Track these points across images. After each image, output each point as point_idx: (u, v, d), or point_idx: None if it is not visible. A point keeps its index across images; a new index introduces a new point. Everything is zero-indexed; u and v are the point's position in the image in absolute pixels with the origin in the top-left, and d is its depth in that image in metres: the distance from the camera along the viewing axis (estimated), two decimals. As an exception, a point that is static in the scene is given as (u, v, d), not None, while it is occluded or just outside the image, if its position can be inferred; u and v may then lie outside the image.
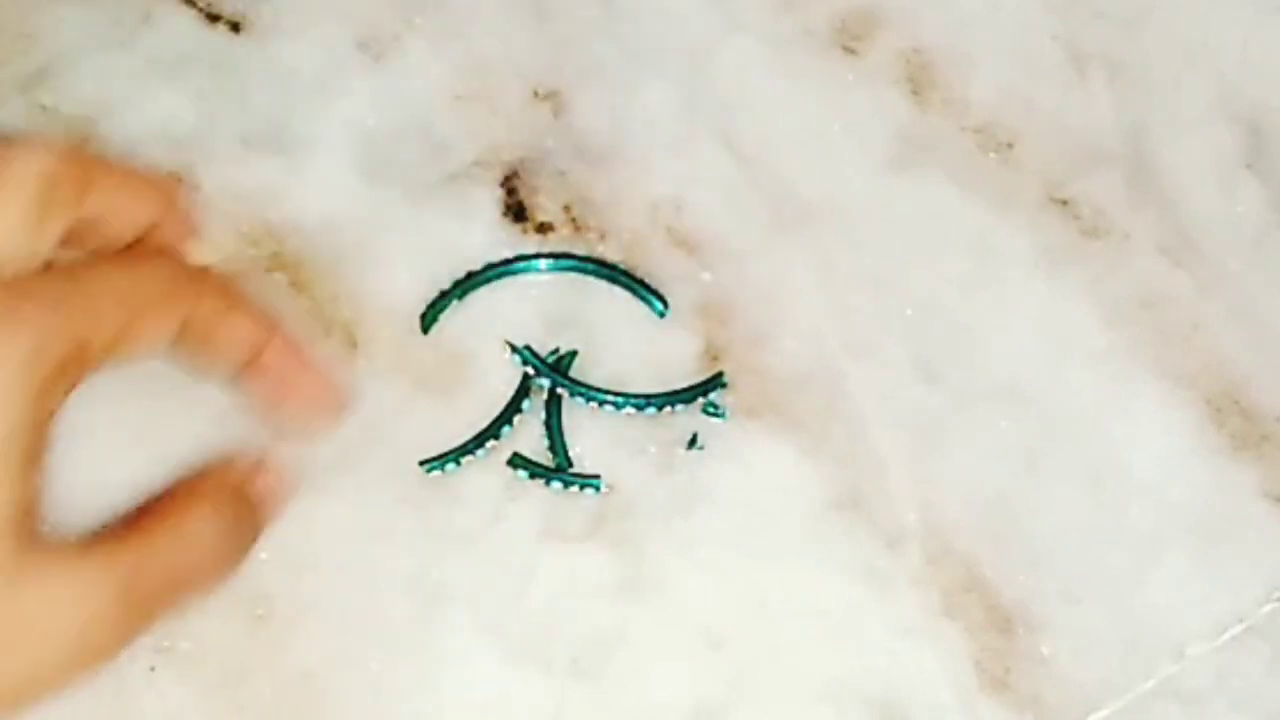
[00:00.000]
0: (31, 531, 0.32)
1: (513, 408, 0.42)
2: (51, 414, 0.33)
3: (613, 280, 0.43)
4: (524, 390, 0.42)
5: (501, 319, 0.42)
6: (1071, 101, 0.45)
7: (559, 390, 0.42)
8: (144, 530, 0.35)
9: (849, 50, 0.46)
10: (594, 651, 0.40)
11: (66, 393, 0.33)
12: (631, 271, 0.43)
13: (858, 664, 0.40)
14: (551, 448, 0.41)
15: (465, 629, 0.40)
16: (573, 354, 0.42)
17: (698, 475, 0.42)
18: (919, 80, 0.45)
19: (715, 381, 0.42)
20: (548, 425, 0.42)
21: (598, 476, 0.41)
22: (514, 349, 0.42)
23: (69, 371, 0.33)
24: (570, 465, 0.41)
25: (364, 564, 0.41)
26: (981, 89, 0.45)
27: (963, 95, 0.45)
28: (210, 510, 0.37)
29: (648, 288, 0.43)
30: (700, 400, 0.42)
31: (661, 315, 0.42)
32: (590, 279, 0.43)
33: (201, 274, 0.38)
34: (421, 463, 0.41)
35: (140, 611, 0.34)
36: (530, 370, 0.42)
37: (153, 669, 0.39)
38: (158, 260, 0.37)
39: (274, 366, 0.39)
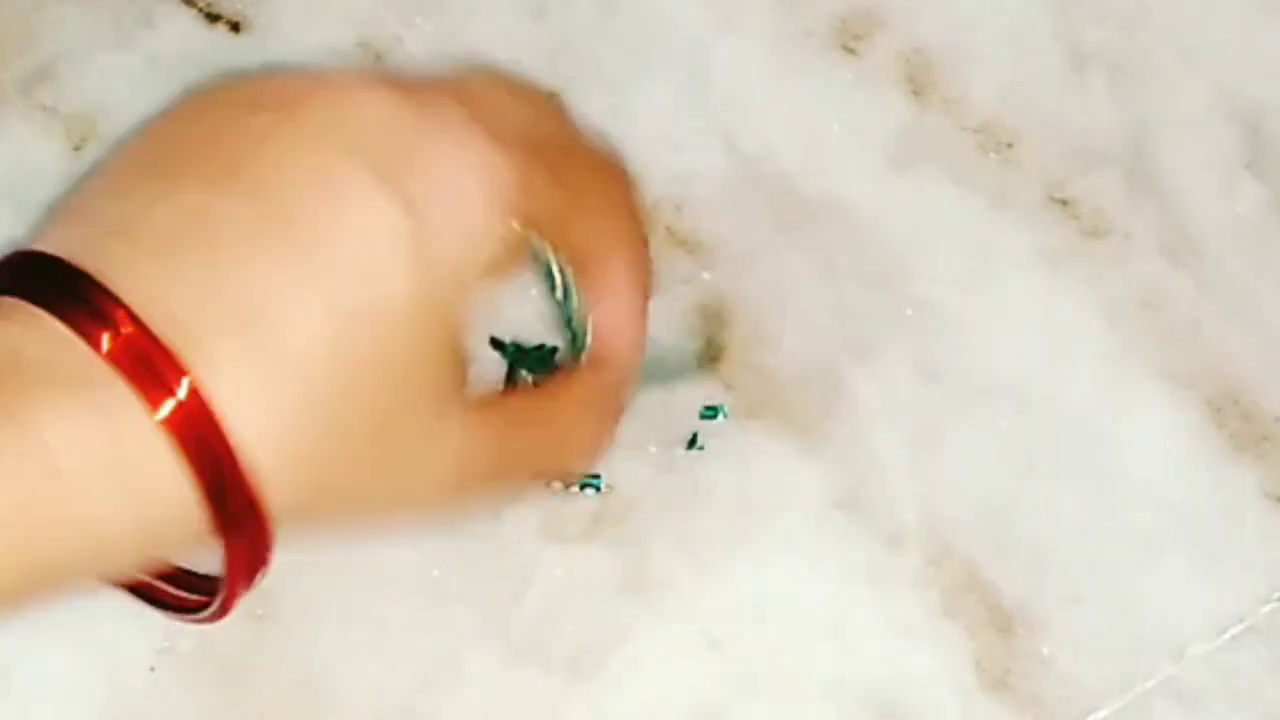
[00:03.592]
0: (462, 389, 0.34)
1: None
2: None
3: None
4: (511, 385, 0.42)
5: (501, 319, 0.42)
6: (1071, 101, 0.45)
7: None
8: (534, 414, 0.37)
9: (849, 50, 0.46)
10: (594, 651, 0.40)
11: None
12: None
13: (858, 664, 0.40)
14: None
15: (465, 629, 0.40)
16: (553, 349, 0.42)
17: (698, 475, 0.42)
18: (919, 80, 0.45)
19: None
20: None
21: (598, 476, 0.41)
22: (497, 344, 0.42)
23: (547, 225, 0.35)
24: None
25: (364, 564, 0.41)
26: (981, 89, 0.45)
27: (963, 95, 0.45)
28: (590, 421, 0.38)
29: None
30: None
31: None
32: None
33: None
34: None
35: (501, 483, 0.36)
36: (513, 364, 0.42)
37: (153, 669, 0.39)
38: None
39: (614, 274, 0.38)
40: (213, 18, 0.45)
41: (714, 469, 0.42)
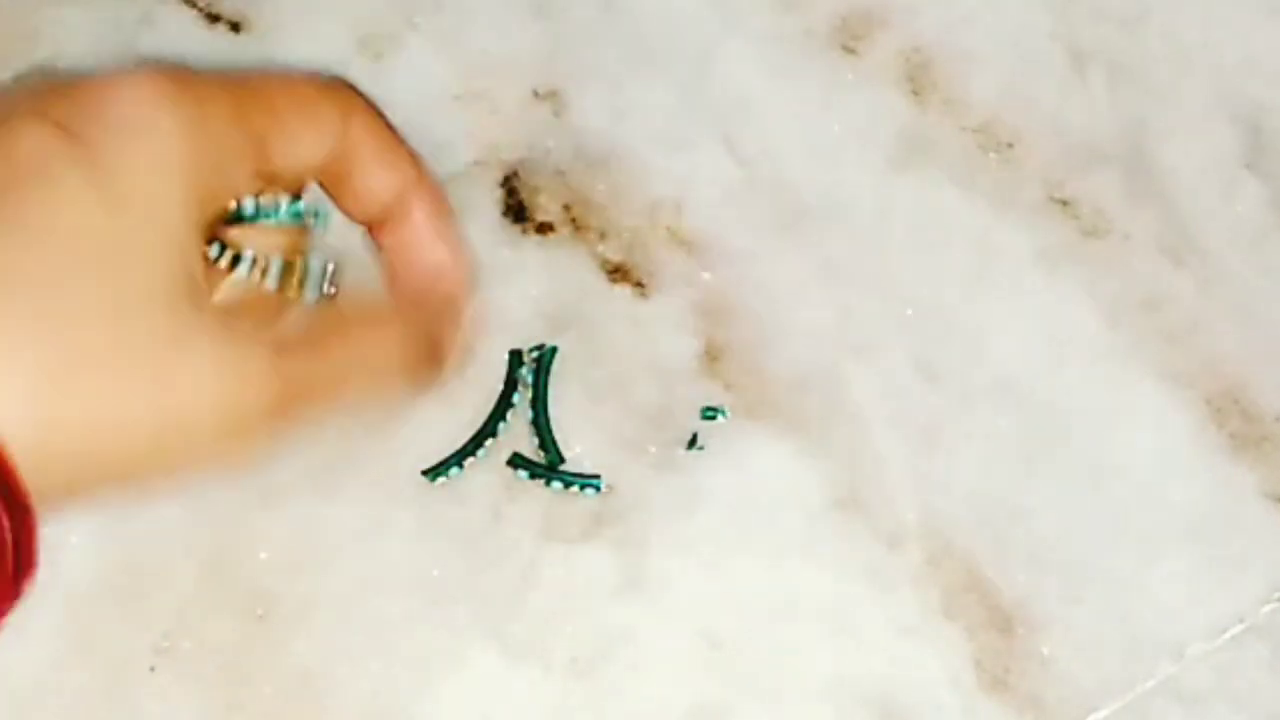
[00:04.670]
0: (202, 300, 0.33)
1: (504, 404, 0.42)
2: (228, 194, 0.34)
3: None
4: (511, 385, 0.42)
5: (501, 319, 0.42)
6: (1071, 101, 0.45)
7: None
8: (324, 336, 0.35)
9: (849, 50, 0.46)
10: (594, 651, 0.40)
11: (245, 184, 0.34)
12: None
13: (858, 664, 0.40)
14: (541, 445, 0.41)
15: (465, 629, 0.40)
16: (553, 350, 0.42)
17: (698, 475, 0.42)
18: (919, 80, 0.45)
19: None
20: (535, 424, 0.42)
21: (598, 477, 0.41)
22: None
23: (244, 156, 0.34)
24: (563, 460, 0.41)
25: (364, 564, 0.41)
26: (981, 89, 0.45)
27: (963, 95, 0.45)
28: (397, 337, 0.36)
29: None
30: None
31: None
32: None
33: (356, 99, 0.37)
34: (424, 472, 0.41)
35: (293, 410, 0.34)
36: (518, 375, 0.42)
37: (153, 669, 0.40)
38: (320, 77, 0.37)
39: (415, 219, 0.37)
40: (213, 18, 0.45)
41: (714, 469, 0.42)
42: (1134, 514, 0.42)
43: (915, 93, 0.45)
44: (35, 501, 0.29)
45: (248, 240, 0.35)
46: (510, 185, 0.44)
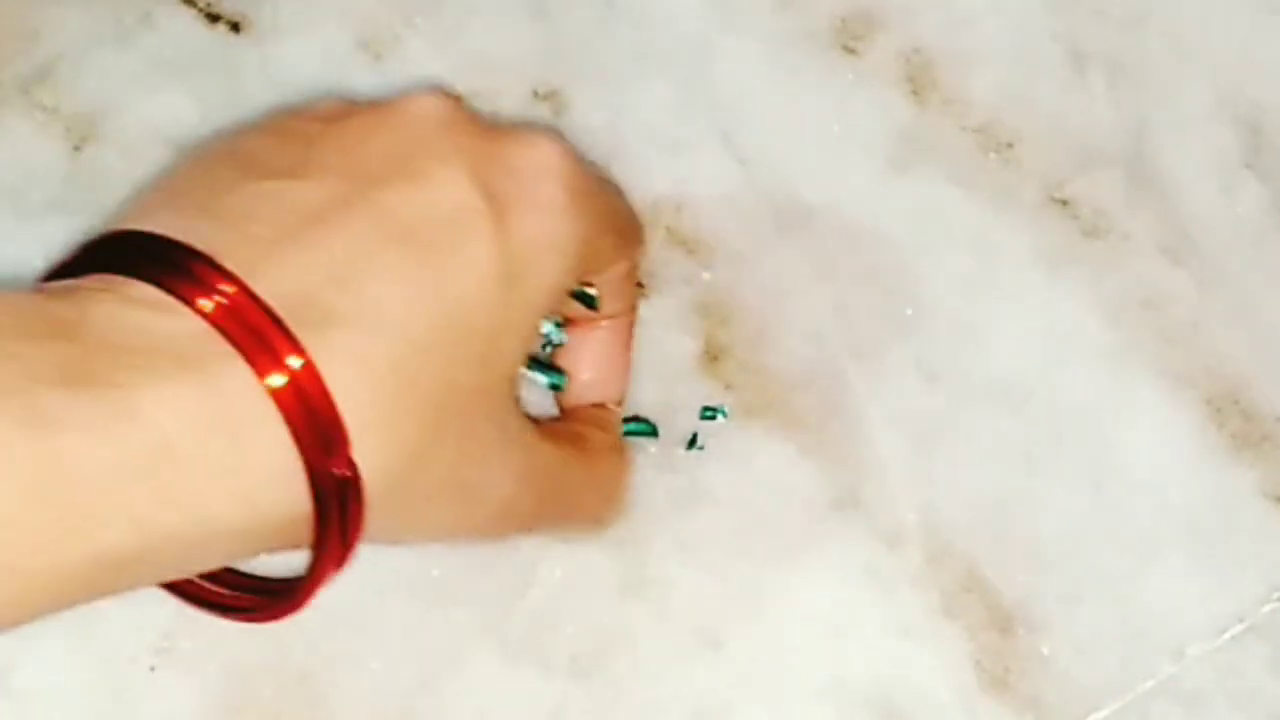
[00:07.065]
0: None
1: None
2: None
3: None
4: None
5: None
6: (1071, 101, 0.45)
7: None
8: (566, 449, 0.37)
9: (849, 50, 0.46)
10: (594, 651, 0.40)
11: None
12: None
13: (858, 664, 0.40)
14: None
15: (465, 629, 0.40)
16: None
17: (698, 475, 0.42)
18: (919, 80, 0.45)
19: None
20: None
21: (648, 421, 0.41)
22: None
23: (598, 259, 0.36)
24: None
25: (364, 564, 0.40)
26: (981, 89, 0.45)
27: (963, 95, 0.45)
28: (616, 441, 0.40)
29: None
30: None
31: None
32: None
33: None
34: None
35: (544, 516, 0.36)
36: None
37: (153, 669, 0.40)
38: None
39: (611, 335, 0.40)
40: (213, 18, 0.45)
41: (714, 469, 0.42)
42: (1134, 514, 0.42)
43: (915, 93, 0.45)
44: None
45: None
46: (510, 185, 0.44)
